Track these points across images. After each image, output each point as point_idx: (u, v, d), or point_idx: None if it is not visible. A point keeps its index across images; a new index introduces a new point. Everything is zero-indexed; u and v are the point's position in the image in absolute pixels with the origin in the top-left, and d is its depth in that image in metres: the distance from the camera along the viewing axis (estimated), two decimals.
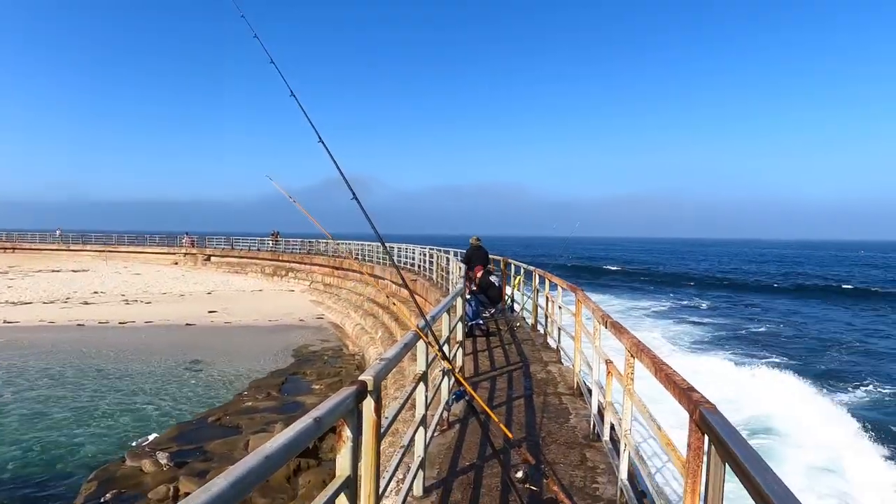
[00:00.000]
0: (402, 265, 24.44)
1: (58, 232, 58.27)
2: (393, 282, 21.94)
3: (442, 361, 3.51)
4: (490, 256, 13.03)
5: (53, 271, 41.07)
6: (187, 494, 1.22)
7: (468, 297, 9.94)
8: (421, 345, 3.39)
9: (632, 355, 3.39)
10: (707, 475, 1.92)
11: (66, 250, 53.49)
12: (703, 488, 2.12)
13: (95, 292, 31.60)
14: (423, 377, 3.41)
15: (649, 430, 3.11)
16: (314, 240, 40.61)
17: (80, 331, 22.26)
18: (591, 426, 5.07)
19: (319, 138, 3.58)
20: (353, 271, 27.93)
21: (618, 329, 3.81)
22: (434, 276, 18.25)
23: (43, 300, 28.73)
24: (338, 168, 3.58)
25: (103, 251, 51.92)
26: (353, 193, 3.58)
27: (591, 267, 67.57)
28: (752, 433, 11.89)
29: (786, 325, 29.40)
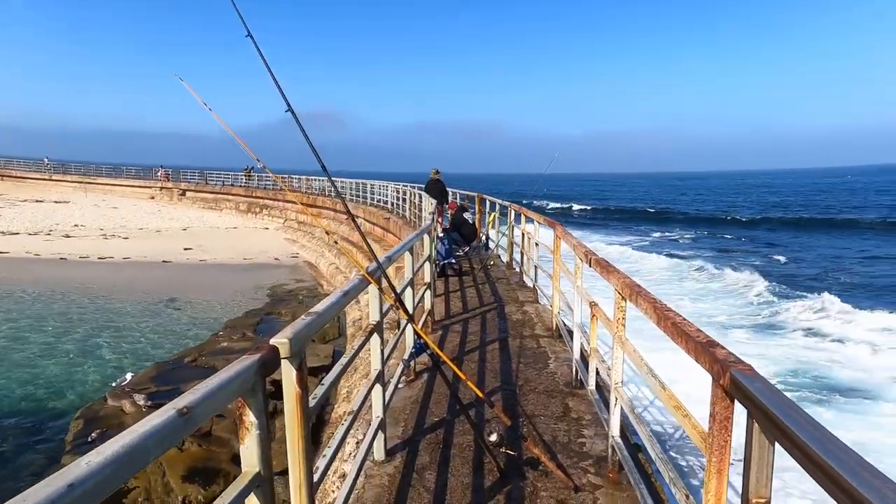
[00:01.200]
0: (376, 203, 23.69)
1: (45, 160, 55.68)
2: (368, 220, 21.22)
3: (398, 311, 2.94)
4: (450, 190, 12.33)
5: (37, 201, 40.83)
6: None
7: (440, 234, 9.36)
8: (374, 291, 2.79)
9: (623, 297, 2.82)
10: (748, 458, 1.43)
11: (48, 180, 51.58)
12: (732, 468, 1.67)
13: (76, 225, 31.60)
14: (378, 328, 2.84)
15: (646, 383, 2.63)
16: (287, 175, 39.18)
17: (62, 265, 22.20)
18: (574, 372, 4.65)
19: (248, 32, 2.88)
20: (327, 209, 27.07)
21: (604, 267, 3.24)
22: (407, 215, 17.57)
23: (28, 231, 28.97)
24: (269, 70, 2.88)
25: (83, 182, 50.22)
26: (289, 105, 2.92)
27: (565, 206, 65.21)
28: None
29: (779, 255, 28.49)
